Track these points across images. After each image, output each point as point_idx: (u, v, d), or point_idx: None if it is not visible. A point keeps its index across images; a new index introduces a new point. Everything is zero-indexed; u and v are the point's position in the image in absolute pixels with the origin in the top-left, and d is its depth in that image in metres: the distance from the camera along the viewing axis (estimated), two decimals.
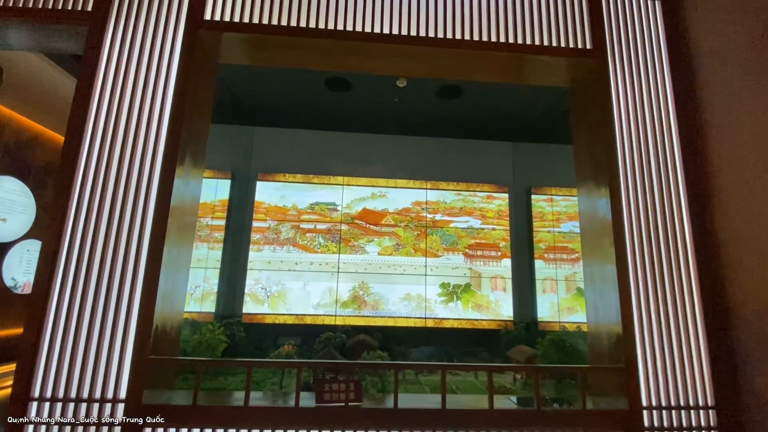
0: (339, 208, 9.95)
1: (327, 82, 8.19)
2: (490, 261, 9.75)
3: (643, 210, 2.88)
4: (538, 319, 9.41)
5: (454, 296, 9.55)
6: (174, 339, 2.86)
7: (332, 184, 10.04)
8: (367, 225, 9.87)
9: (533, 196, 10.13)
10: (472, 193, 10.19)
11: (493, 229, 10.05)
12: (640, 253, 2.81)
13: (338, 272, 9.62)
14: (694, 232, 2.90)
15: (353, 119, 9.90)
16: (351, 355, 8.16)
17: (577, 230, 9.84)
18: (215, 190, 9.72)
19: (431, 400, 2.88)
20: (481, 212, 10.21)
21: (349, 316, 9.43)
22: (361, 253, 9.55)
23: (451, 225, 10.02)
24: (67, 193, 2.41)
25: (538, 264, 9.80)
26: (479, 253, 9.82)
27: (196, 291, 9.10)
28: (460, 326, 9.50)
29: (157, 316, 2.39)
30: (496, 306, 9.51)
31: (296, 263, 9.51)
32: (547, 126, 9.70)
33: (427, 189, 10.16)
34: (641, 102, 3.13)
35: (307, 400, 2.63)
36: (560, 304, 9.48)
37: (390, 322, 9.38)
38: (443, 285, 9.70)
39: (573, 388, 4.54)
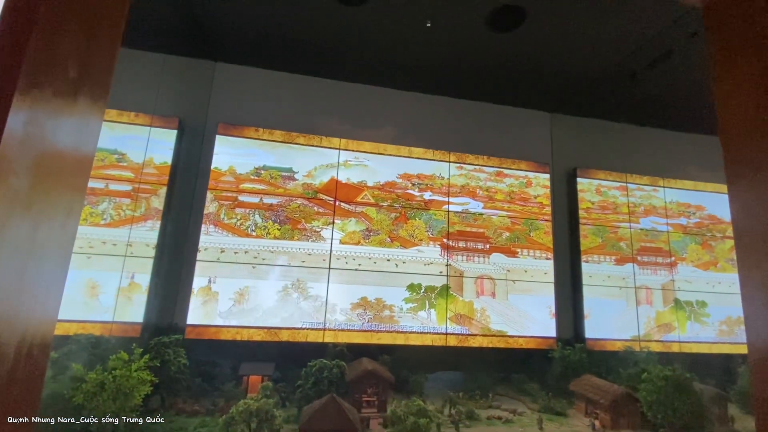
0: (297, 176, 7.24)
1: None
2: (475, 256, 7.55)
3: None
4: (586, 337, 7.33)
5: (427, 302, 7.25)
6: (29, 387, 1.54)
7: (323, 146, 7.37)
8: (336, 202, 7.28)
9: (580, 180, 8.09)
10: (477, 167, 7.95)
11: (497, 215, 7.87)
12: None
13: (330, 269, 6.94)
14: None
15: (362, 61, 7.26)
16: (356, 392, 5.52)
17: (660, 227, 7.98)
18: (146, 142, 6.64)
19: None
20: (487, 192, 8.00)
21: (343, 330, 6.78)
22: (316, 240, 6.94)
23: (445, 207, 7.73)
24: None
25: (628, 269, 7.83)
26: (461, 244, 7.57)
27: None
28: (490, 345, 7.20)
29: None
30: (483, 317, 7.30)
31: (205, 249, 6.64)
32: (600, 96, 7.71)
33: (449, 162, 7.77)
34: None
35: None
36: (657, 318, 7.50)
37: (399, 340, 6.88)
38: (412, 287, 7.27)
39: None
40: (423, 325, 7.06)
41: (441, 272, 7.45)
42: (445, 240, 7.64)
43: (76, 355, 4.78)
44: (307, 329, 6.62)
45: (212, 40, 6.97)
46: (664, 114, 7.92)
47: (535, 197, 8.37)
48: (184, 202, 6.87)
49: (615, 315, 7.44)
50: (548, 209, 8.19)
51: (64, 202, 1.97)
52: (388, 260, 7.25)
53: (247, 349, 6.43)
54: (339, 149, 7.42)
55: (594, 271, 7.61)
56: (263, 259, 6.74)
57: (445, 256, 7.55)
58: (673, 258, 7.91)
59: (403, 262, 7.33)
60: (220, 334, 6.35)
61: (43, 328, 2.12)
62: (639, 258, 7.87)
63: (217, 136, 6.95)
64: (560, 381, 6.22)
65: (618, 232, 7.95)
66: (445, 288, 7.37)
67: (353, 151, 7.47)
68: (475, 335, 7.14)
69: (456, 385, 6.69)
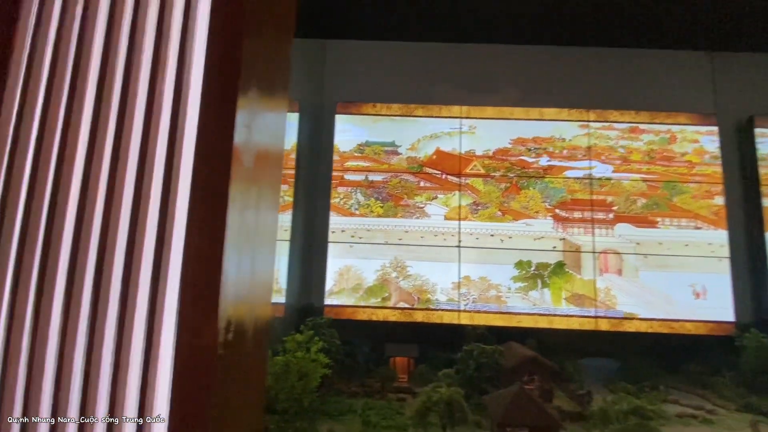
0: (400, 150, 6.81)
1: None
2: (596, 227, 6.40)
3: None
4: None
5: (539, 281, 6.43)
6: (256, 355, 1.47)
7: (443, 116, 6.84)
8: (443, 175, 6.72)
9: (759, 131, 6.57)
10: (607, 125, 6.77)
11: (629, 179, 6.72)
12: None
13: (460, 247, 6.52)
14: None
15: (479, 15, 6.52)
16: (513, 379, 5.13)
17: None
18: (294, 128, 6.72)
19: None
20: (620, 154, 6.80)
21: (479, 312, 6.39)
22: (420, 216, 6.46)
23: (565, 173, 6.74)
24: None
25: None
26: (577, 215, 6.46)
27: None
28: (650, 330, 6.30)
29: (230, 314, 1.11)
30: (607, 297, 6.25)
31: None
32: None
33: (589, 121, 6.78)
34: None
35: None
36: None
37: (543, 323, 6.30)
38: (520, 264, 6.53)
39: None
40: (535, 306, 6.38)
41: (554, 247, 6.65)
42: (557, 211, 6.79)
43: None
44: (442, 310, 6.34)
45: (319, 17, 6.72)
46: None
47: (682, 155, 7.05)
48: (311, 185, 6.90)
49: None
50: (699, 169, 6.85)
51: (271, 191, 2.08)
52: (492, 236, 6.64)
53: (383, 328, 6.36)
54: (460, 117, 6.84)
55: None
56: (360, 238, 6.58)
57: (559, 229, 6.71)
58: None
59: (509, 237, 6.65)
60: (357, 314, 6.36)
61: (264, 313, 2.07)
62: None
63: (337, 116, 6.80)
64: (759, 374, 5.16)
65: None
66: (560, 265, 6.56)
67: (475, 118, 6.84)
68: (632, 319, 6.27)
69: (610, 374, 5.95)
